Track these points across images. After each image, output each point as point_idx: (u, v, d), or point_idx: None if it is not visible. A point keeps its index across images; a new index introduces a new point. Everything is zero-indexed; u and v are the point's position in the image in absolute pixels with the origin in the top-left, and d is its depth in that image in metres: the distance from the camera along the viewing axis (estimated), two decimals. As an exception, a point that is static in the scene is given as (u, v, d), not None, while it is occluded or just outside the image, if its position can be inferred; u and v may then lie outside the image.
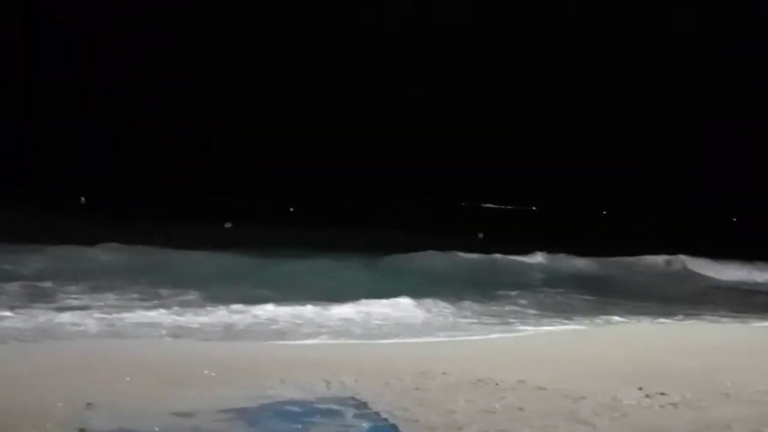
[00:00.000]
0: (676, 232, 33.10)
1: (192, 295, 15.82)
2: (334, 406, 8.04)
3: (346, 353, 10.67)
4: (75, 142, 37.97)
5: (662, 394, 8.44)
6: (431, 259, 24.01)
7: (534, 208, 41.82)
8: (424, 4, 41.85)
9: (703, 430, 7.41)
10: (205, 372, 8.92)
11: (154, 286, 16.37)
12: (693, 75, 40.19)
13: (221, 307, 14.37)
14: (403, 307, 15.75)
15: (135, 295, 15.58)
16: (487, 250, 26.26)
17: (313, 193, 37.40)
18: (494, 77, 40.73)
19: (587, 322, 15.32)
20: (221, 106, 40.09)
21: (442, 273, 21.56)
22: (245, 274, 18.68)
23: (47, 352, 10.02)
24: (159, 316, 13.37)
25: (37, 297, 14.80)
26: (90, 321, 12.59)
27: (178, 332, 12.33)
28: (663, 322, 16.14)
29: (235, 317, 13.83)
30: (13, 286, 15.74)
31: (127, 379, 8.55)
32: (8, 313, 13.08)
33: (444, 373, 9.12)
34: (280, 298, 15.21)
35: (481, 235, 31.25)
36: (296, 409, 7.97)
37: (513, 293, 19.39)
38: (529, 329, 14.17)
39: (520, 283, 21.53)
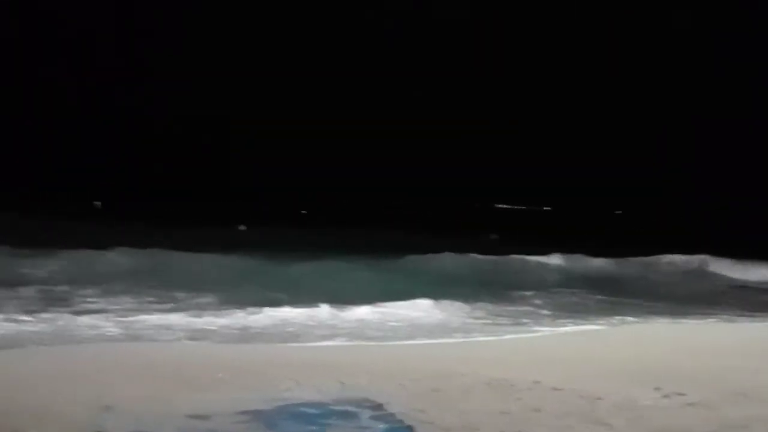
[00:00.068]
0: (695, 232, 32.90)
1: (207, 298, 15.82)
2: (350, 408, 8.04)
3: (361, 355, 10.69)
4: (75, 142, 37.88)
5: (679, 394, 8.44)
6: (446, 260, 23.93)
7: (547, 208, 41.70)
8: (424, 4, 41.76)
9: (721, 431, 7.41)
10: (221, 374, 8.92)
11: (169, 289, 16.36)
12: (693, 75, 40.15)
13: (237, 309, 14.39)
14: (420, 308, 15.76)
15: (150, 298, 15.58)
16: (502, 251, 26.17)
17: (321, 194, 37.30)
18: (494, 77, 40.61)
19: (603, 322, 15.31)
20: (220, 107, 39.97)
21: (457, 274, 21.52)
22: (259, 276, 18.67)
23: (64, 356, 10.03)
24: (175, 318, 13.41)
25: (53, 301, 14.81)
26: (107, 324, 12.63)
27: (195, 335, 12.35)
28: (680, 322, 16.10)
29: (251, 319, 13.83)
30: (29, 291, 15.75)
31: (144, 381, 8.55)
32: (25, 317, 13.11)
33: (460, 375, 9.12)
34: (295, 300, 15.24)
35: (495, 236, 31.23)
36: (312, 411, 7.98)
37: (529, 294, 19.37)
38: (545, 330, 14.18)
39: (536, 284, 21.47)
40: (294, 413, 7.92)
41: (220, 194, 37.63)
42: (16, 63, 37.86)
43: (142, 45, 39.81)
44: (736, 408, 8.06)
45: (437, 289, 17.55)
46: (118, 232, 23.20)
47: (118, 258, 19.41)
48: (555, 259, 26.73)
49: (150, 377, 8.73)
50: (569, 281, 23.29)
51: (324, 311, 14.76)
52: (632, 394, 8.43)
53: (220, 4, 40.43)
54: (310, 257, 20.99)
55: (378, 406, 8.10)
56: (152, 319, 13.32)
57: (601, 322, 15.32)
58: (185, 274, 17.83)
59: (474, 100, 41.51)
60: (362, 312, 15.01)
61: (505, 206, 42.28)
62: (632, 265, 27.82)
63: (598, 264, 27.11)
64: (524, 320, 15.40)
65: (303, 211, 33.99)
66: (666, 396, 8.41)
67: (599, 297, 20.15)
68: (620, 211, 39.42)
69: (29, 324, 12.53)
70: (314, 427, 7.42)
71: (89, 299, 15.17)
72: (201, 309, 14.37)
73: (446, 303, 16.37)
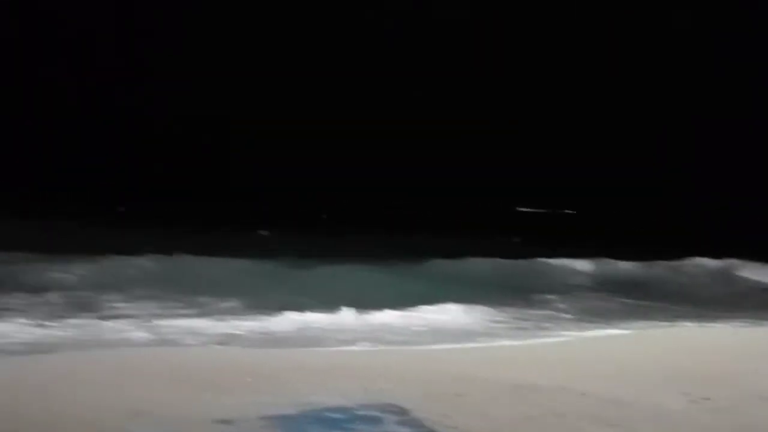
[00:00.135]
0: (721, 234, 32.66)
1: (231, 302, 15.85)
2: (375, 413, 8.05)
3: (386, 359, 10.68)
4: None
5: (707, 399, 8.46)
6: (469, 264, 23.87)
7: (571, 211, 41.56)
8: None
9: (749, 436, 7.44)
10: (247, 379, 8.93)
11: (193, 293, 16.38)
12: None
13: (261, 313, 14.42)
14: (443, 312, 15.77)
15: (176, 303, 15.63)
16: (525, 254, 26.10)
17: (336, 197, 37.18)
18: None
19: (629, 326, 15.31)
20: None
21: (480, 278, 21.47)
22: (281, 280, 18.70)
23: (92, 361, 10.03)
24: (201, 323, 13.46)
25: (79, 306, 14.87)
26: (133, 329, 12.67)
27: (221, 339, 12.39)
28: (707, 326, 16.03)
29: (275, 324, 13.87)
30: (55, 296, 15.80)
31: (171, 386, 8.56)
32: (52, 323, 13.15)
33: (485, 379, 9.13)
34: (318, 305, 15.25)
35: (517, 239, 31.12)
36: (337, 415, 7.98)
37: (554, 298, 19.35)
38: (571, 334, 14.20)
39: (561, 288, 21.43)
40: (319, 418, 7.93)
41: (221, 194, 37.57)
42: (16, 63, 37.74)
43: (142, 45, 39.72)
44: (765, 412, 8.08)
45: (461, 293, 17.52)
46: (138, 237, 23.21)
47: (142, 263, 19.42)
48: (579, 263, 26.48)
49: (177, 382, 8.74)
50: (594, 285, 23.21)
51: (347, 315, 14.78)
52: (659, 398, 8.44)
53: (220, 4, 40.33)
54: (331, 261, 20.98)
55: (403, 411, 8.10)
56: (178, 323, 13.37)
57: (626, 326, 15.32)
58: (208, 278, 17.88)
59: (474, 100, 41.45)
60: (386, 316, 15.03)
61: (527, 209, 42.17)
62: (658, 268, 27.52)
63: (624, 267, 26.85)
64: (549, 324, 15.42)
65: (323, 215, 33.87)
66: (693, 401, 8.42)
67: (625, 300, 20.08)
68: (643, 213, 39.08)
69: (56, 329, 12.59)
70: (339, 432, 7.46)
71: (115, 304, 15.23)
72: (226, 313, 14.44)
73: (470, 307, 16.35)
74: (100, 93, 39.35)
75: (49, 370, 9.33)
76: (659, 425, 7.67)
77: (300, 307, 15.03)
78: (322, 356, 11.19)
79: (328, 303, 15.57)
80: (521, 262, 25.18)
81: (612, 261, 27.17)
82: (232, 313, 14.71)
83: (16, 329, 12.46)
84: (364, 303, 15.91)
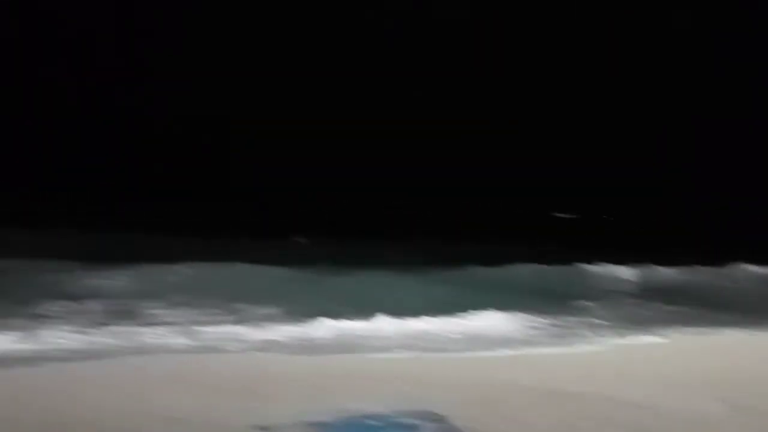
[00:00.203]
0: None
1: (270, 309, 15.80)
2: (412, 420, 8.06)
3: (423, 366, 10.68)
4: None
5: (750, 407, 8.44)
6: (507, 270, 23.69)
7: (609, 217, 41.40)
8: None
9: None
10: (286, 385, 8.94)
11: (231, 300, 16.39)
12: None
13: (298, 320, 14.39)
14: (481, 319, 15.68)
15: (215, 310, 15.62)
16: (563, 260, 25.87)
17: (368, 202, 36.95)
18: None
19: (670, 333, 15.23)
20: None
21: (518, 284, 21.28)
22: (319, 287, 18.62)
23: (132, 367, 10.05)
24: (241, 330, 13.49)
25: (119, 314, 14.86)
26: (174, 336, 12.70)
27: (261, 346, 12.40)
28: (752, 333, 15.90)
29: (313, 330, 13.85)
30: (95, 304, 15.81)
31: (211, 392, 8.58)
32: (94, 330, 13.20)
33: (523, 387, 9.12)
34: (355, 312, 15.22)
35: (552, 245, 30.85)
36: (375, 422, 8.00)
37: (593, 304, 19.18)
38: (610, 341, 14.13)
39: (601, 294, 21.24)
40: (357, 425, 7.96)
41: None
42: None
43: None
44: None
45: (498, 299, 17.38)
46: (173, 243, 23.24)
47: (180, 270, 19.39)
48: (620, 268, 26.15)
49: (217, 388, 8.77)
50: (635, 291, 22.90)
51: (383, 322, 14.77)
52: (700, 406, 8.42)
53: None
54: (367, 267, 20.89)
55: (440, 418, 8.12)
56: (218, 330, 13.43)
57: (667, 333, 15.21)
58: (245, 285, 17.81)
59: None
60: (422, 323, 14.99)
61: (563, 215, 42.05)
62: (702, 274, 26.86)
63: (665, 273, 26.33)
64: (587, 332, 15.33)
65: (354, 221, 33.63)
66: (735, 409, 8.40)
67: (667, 308, 19.74)
68: (690, 218, 38.70)
69: (97, 336, 12.60)
70: (377, 439, 7.48)
71: (154, 311, 15.23)
72: (264, 320, 14.44)
73: (508, 314, 16.19)
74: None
75: (90, 377, 9.35)
76: (701, 433, 7.66)
77: (336, 314, 14.99)
78: (360, 363, 11.20)
79: (364, 310, 15.50)
80: (559, 268, 24.81)
81: (654, 266, 26.57)
82: (270, 319, 14.66)
83: (59, 336, 12.47)
84: (399, 310, 15.82)
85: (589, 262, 26.30)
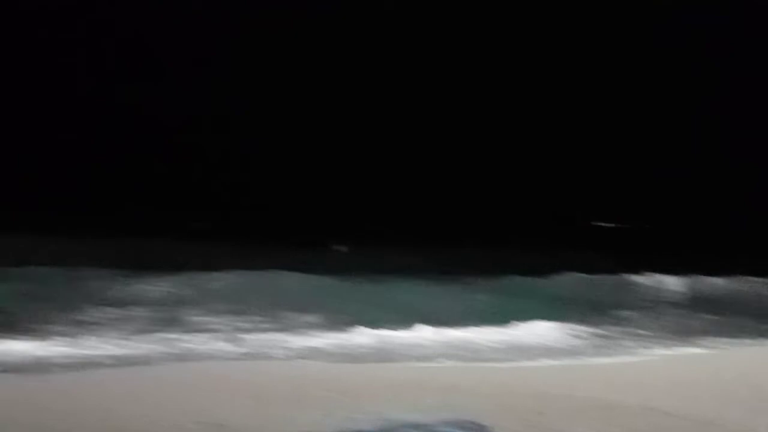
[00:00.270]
0: None
1: (312, 317, 15.90)
2: (455, 429, 7.99)
3: (464, 376, 10.64)
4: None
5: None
6: (549, 280, 23.62)
7: (653, 226, 41.09)
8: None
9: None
10: (328, 393, 8.92)
11: (273, 307, 16.51)
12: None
13: (340, 329, 14.48)
14: (523, 329, 15.64)
15: (257, 317, 15.75)
16: (605, 270, 25.67)
17: (404, 212, 36.98)
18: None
19: (717, 344, 15.04)
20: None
21: (561, 294, 21.20)
22: (359, 295, 18.69)
23: (177, 374, 10.13)
24: (285, 337, 13.58)
25: (164, 321, 15.06)
26: (218, 343, 12.83)
27: (304, 353, 12.48)
28: None
29: (355, 339, 13.94)
30: (140, 311, 16.01)
31: (255, 399, 8.60)
32: (137, 337, 13.38)
33: (566, 398, 9.03)
34: (395, 320, 15.26)
35: (593, 254, 30.62)
36: (416, 431, 7.93)
37: (638, 315, 19.00)
38: (656, 352, 14.01)
39: (645, 305, 21.16)
40: (399, 434, 7.89)
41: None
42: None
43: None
44: None
45: (542, 309, 17.36)
46: (214, 251, 23.46)
47: (223, 277, 19.61)
48: (665, 278, 25.91)
49: (260, 395, 8.79)
50: (682, 301, 22.71)
51: (424, 331, 14.78)
52: (747, 419, 8.27)
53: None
54: (407, 276, 20.92)
55: (482, 428, 8.03)
56: (262, 337, 13.52)
57: (713, 344, 15.03)
58: (287, 293, 17.96)
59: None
60: (464, 332, 14.97)
61: (604, 224, 41.81)
62: (749, 284, 26.39)
63: (713, 283, 25.94)
64: (632, 343, 15.20)
65: (390, 230, 33.66)
66: (783, 422, 8.27)
67: (712, 318, 19.52)
68: (739, 228, 38.26)
69: (142, 343, 12.75)
70: (419, 449, 7.43)
71: (197, 318, 15.39)
72: (307, 328, 14.55)
73: (551, 324, 16.11)
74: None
75: (135, 383, 9.42)
76: (749, 446, 7.53)
77: (376, 323, 15.07)
78: (401, 372, 11.17)
79: (405, 318, 15.55)
80: (604, 278, 24.68)
81: (701, 277, 26.29)
82: (312, 327, 14.77)
83: (104, 343, 12.67)
84: (440, 318, 15.86)
85: (635, 272, 26.03)
